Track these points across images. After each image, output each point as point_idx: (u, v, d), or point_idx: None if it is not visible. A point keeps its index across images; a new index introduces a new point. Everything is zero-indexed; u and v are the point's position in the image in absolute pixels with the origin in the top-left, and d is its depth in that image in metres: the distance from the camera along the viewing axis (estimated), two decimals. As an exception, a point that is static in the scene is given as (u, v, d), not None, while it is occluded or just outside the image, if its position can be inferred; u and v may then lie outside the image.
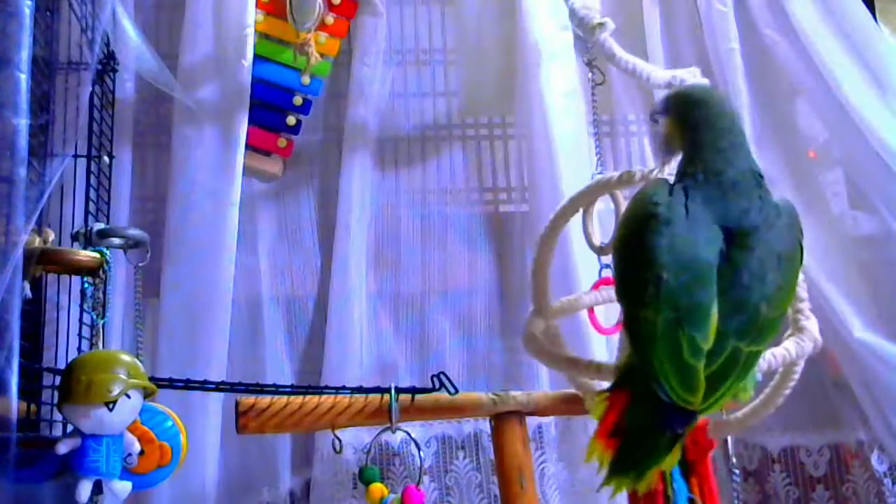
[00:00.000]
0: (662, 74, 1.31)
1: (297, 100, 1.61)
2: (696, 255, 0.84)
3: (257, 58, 1.57)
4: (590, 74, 1.45)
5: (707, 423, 1.06)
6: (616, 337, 1.50)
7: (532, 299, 1.20)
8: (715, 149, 0.89)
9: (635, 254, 0.85)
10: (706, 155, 0.89)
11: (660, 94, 1.68)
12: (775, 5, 1.65)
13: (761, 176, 0.90)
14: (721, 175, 0.88)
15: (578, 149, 1.61)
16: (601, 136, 1.58)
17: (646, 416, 0.83)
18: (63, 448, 1.01)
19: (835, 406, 1.62)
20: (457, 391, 1.24)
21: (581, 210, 1.26)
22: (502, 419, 1.28)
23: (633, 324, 0.85)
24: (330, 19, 1.61)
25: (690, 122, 0.91)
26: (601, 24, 1.33)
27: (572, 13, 1.38)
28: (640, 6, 1.73)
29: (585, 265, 1.47)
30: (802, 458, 1.62)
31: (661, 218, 0.85)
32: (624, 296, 0.87)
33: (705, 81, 1.30)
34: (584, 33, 1.36)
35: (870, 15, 1.62)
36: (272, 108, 1.61)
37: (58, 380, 1.05)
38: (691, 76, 1.30)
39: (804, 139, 1.71)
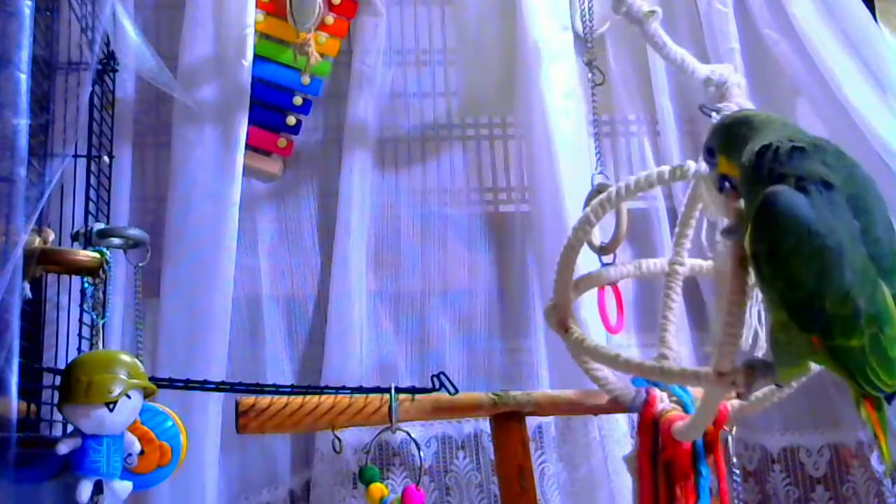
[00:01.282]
0: (703, 69, 1.31)
1: (297, 100, 1.61)
2: (866, 264, 0.82)
3: (257, 58, 1.58)
4: (589, 74, 1.45)
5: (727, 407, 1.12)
6: (615, 337, 1.50)
7: (556, 294, 1.18)
8: (783, 130, 0.88)
9: (819, 288, 0.82)
10: (786, 145, 0.86)
11: (662, 96, 1.69)
12: (775, 5, 1.65)
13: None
14: (812, 146, 0.86)
15: (578, 149, 1.61)
16: (601, 136, 1.58)
17: (883, 411, 0.86)
18: (63, 448, 1.00)
19: (835, 406, 1.62)
20: (457, 391, 1.24)
21: (583, 208, 1.26)
22: (502, 419, 1.28)
23: (836, 354, 0.84)
24: (330, 19, 1.61)
25: (740, 141, 0.90)
26: (652, 13, 1.31)
27: (620, 1, 1.35)
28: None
29: (587, 265, 1.47)
30: (802, 458, 1.62)
31: (835, 249, 0.81)
32: (810, 328, 0.85)
33: (741, 77, 1.29)
34: (633, 22, 1.34)
35: (870, 15, 1.62)
36: (272, 108, 1.61)
37: (58, 380, 1.05)
38: (729, 72, 1.29)
39: (804, 139, 1.71)
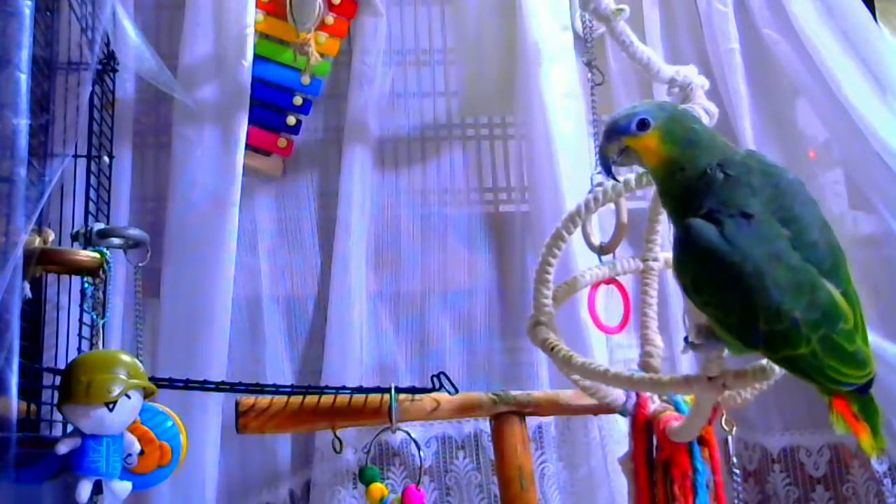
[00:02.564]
0: (668, 70, 1.31)
1: (297, 100, 1.61)
2: (797, 272, 0.82)
3: (257, 58, 1.58)
4: (589, 74, 1.45)
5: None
6: (615, 337, 1.50)
7: (536, 311, 1.16)
8: (718, 149, 0.88)
9: (751, 312, 0.82)
10: (716, 157, 0.87)
11: (660, 91, 1.68)
12: (775, 5, 1.65)
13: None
14: (742, 170, 0.86)
15: (578, 149, 1.61)
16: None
17: (864, 401, 0.87)
18: (63, 448, 1.00)
19: (834, 406, 1.62)
20: (457, 391, 1.24)
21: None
22: (502, 419, 1.28)
23: (789, 364, 0.84)
24: (330, 19, 1.61)
25: (681, 134, 0.89)
26: (620, 11, 1.30)
27: None
28: (640, 6, 1.73)
29: (586, 265, 1.47)
30: (802, 458, 1.62)
31: (753, 273, 0.81)
32: (752, 345, 0.85)
33: (703, 80, 1.29)
34: (600, 20, 1.33)
35: (870, 15, 1.62)
36: (272, 108, 1.61)
37: (58, 380, 1.05)
38: (693, 73, 1.29)
39: (804, 139, 1.71)
